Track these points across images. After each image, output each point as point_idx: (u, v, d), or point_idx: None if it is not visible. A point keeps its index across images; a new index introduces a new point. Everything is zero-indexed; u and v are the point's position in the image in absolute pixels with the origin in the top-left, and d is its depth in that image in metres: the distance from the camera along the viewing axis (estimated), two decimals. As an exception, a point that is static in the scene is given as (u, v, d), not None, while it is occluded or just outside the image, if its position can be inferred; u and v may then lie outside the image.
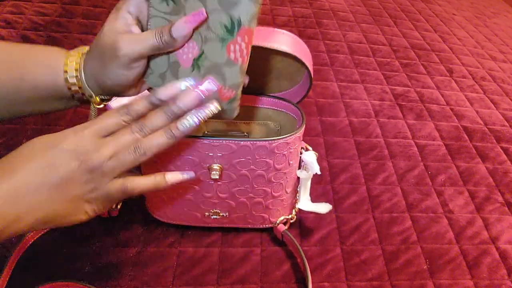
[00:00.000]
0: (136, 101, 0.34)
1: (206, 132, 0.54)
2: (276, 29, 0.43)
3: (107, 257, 0.48)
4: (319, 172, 0.46)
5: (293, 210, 0.52)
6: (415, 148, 0.72)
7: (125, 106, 0.34)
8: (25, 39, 0.77)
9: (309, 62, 0.45)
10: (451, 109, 0.84)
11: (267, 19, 1.02)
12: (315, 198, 0.59)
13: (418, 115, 0.80)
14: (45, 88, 0.36)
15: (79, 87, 0.37)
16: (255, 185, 0.46)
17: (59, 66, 0.36)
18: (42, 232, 0.49)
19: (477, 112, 0.84)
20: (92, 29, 0.84)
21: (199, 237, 0.52)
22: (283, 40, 0.42)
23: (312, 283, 0.49)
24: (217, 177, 0.43)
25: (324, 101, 0.79)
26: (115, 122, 0.34)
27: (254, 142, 0.41)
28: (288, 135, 0.43)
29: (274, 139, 0.42)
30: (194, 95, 0.34)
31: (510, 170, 0.71)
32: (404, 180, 0.65)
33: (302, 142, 0.48)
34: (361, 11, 1.16)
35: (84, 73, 0.36)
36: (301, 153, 0.47)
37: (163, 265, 0.49)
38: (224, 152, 0.42)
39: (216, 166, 0.43)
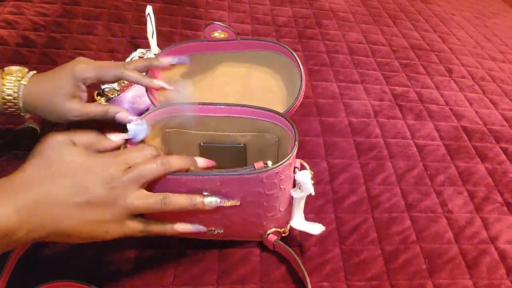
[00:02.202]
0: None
1: (201, 144, 0.53)
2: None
3: (107, 257, 0.49)
4: (313, 193, 0.44)
5: (288, 225, 0.52)
6: (415, 148, 0.72)
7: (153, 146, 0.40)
8: (26, 40, 0.77)
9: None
10: (451, 109, 0.84)
11: (267, 19, 1.02)
12: (314, 199, 0.60)
13: (417, 115, 0.80)
14: None
15: (16, 108, 0.46)
16: (247, 209, 0.45)
17: None
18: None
19: (476, 112, 0.85)
20: (93, 29, 0.84)
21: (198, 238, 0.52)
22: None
23: (312, 283, 0.49)
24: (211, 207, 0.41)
25: (323, 101, 0.79)
26: (142, 156, 0.38)
27: (241, 175, 0.40)
28: (277, 165, 0.41)
29: (261, 171, 0.40)
30: None
31: (509, 170, 0.71)
32: (404, 180, 0.65)
33: (297, 160, 0.47)
34: (360, 11, 1.16)
35: (23, 99, 0.45)
36: (294, 172, 0.46)
37: (163, 265, 0.49)
38: (211, 185, 0.41)
39: (206, 194, 0.42)
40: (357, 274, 0.51)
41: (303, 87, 0.49)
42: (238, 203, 0.42)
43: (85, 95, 0.47)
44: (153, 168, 0.37)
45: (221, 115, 0.50)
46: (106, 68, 0.45)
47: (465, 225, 0.60)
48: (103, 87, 0.66)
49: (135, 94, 0.65)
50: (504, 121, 0.83)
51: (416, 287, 0.51)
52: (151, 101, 0.50)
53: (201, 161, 0.42)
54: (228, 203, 0.41)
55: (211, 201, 0.40)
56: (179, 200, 0.38)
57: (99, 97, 0.66)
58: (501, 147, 0.76)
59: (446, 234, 0.58)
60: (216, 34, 0.51)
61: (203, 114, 0.50)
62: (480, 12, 1.37)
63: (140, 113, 0.63)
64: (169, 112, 0.50)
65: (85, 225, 0.34)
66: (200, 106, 0.50)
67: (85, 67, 0.44)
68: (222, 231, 0.48)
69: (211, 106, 0.50)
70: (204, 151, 0.54)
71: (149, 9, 0.73)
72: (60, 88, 0.44)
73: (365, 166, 0.67)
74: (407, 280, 0.51)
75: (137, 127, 0.43)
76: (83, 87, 0.46)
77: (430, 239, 0.57)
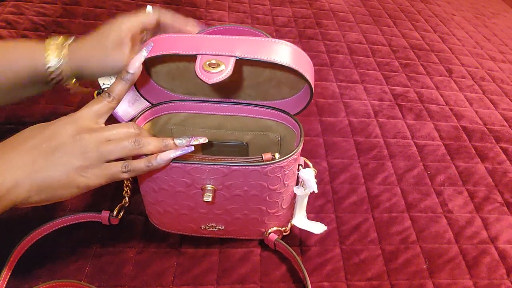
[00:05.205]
0: (113, 84, 0.39)
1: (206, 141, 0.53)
2: (273, 39, 0.40)
3: (107, 257, 0.49)
4: (316, 191, 0.45)
5: (289, 224, 0.52)
6: (415, 148, 0.72)
7: (106, 91, 0.39)
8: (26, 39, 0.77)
9: (310, 73, 0.42)
10: (451, 109, 0.84)
11: (267, 19, 1.02)
12: (314, 198, 0.60)
13: (417, 115, 0.80)
14: (25, 76, 0.44)
15: (60, 72, 0.45)
16: (249, 204, 0.45)
17: (38, 57, 0.44)
18: (43, 233, 0.49)
19: (476, 112, 0.85)
20: (93, 29, 0.84)
21: (199, 237, 0.52)
22: (282, 52, 0.39)
23: (312, 282, 0.49)
24: (210, 199, 0.42)
25: (323, 101, 0.79)
26: (102, 105, 0.38)
27: (246, 167, 0.40)
28: (282, 159, 0.41)
29: (266, 164, 0.40)
30: None
31: (509, 170, 0.71)
32: (404, 180, 0.65)
33: (301, 158, 0.47)
34: (360, 11, 1.16)
35: (68, 61, 0.45)
36: (298, 170, 0.46)
37: (163, 265, 0.49)
38: (216, 175, 0.41)
39: (209, 187, 0.42)
40: (357, 274, 0.51)
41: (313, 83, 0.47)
42: (206, 141, 0.41)
43: (129, 43, 0.46)
44: (122, 146, 0.36)
45: (225, 113, 0.50)
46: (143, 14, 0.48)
47: (465, 225, 0.60)
48: (103, 86, 0.66)
49: (135, 93, 0.65)
50: (504, 121, 0.83)
51: (416, 287, 0.51)
52: (144, 98, 0.49)
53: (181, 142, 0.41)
54: (196, 141, 0.40)
55: (182, 141, 0.40)
56: (152, 142, 0.38)
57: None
58: (501, 147, 0.76)
59: (446, 234, 0.58)
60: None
61: (207, 112, 0.51)
62: (480, 12, 1.37)
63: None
64: (170, 109, 0.50)
65: (58, 173, 0.34)
66: (205, 104, 0.50)
67: (125, 16, 0.46)
68: (223, 228, 0.48)
69: (216, 105, 0.50)
70: (207, 149, 0.54)
71: (149, 9, 0.73)
72: (105, 36, 0.45)
73: (365, 166, 0.67)
74: (407, 280, 0.51)
75: None
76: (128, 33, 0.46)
77: (430, 239, 0.57)
